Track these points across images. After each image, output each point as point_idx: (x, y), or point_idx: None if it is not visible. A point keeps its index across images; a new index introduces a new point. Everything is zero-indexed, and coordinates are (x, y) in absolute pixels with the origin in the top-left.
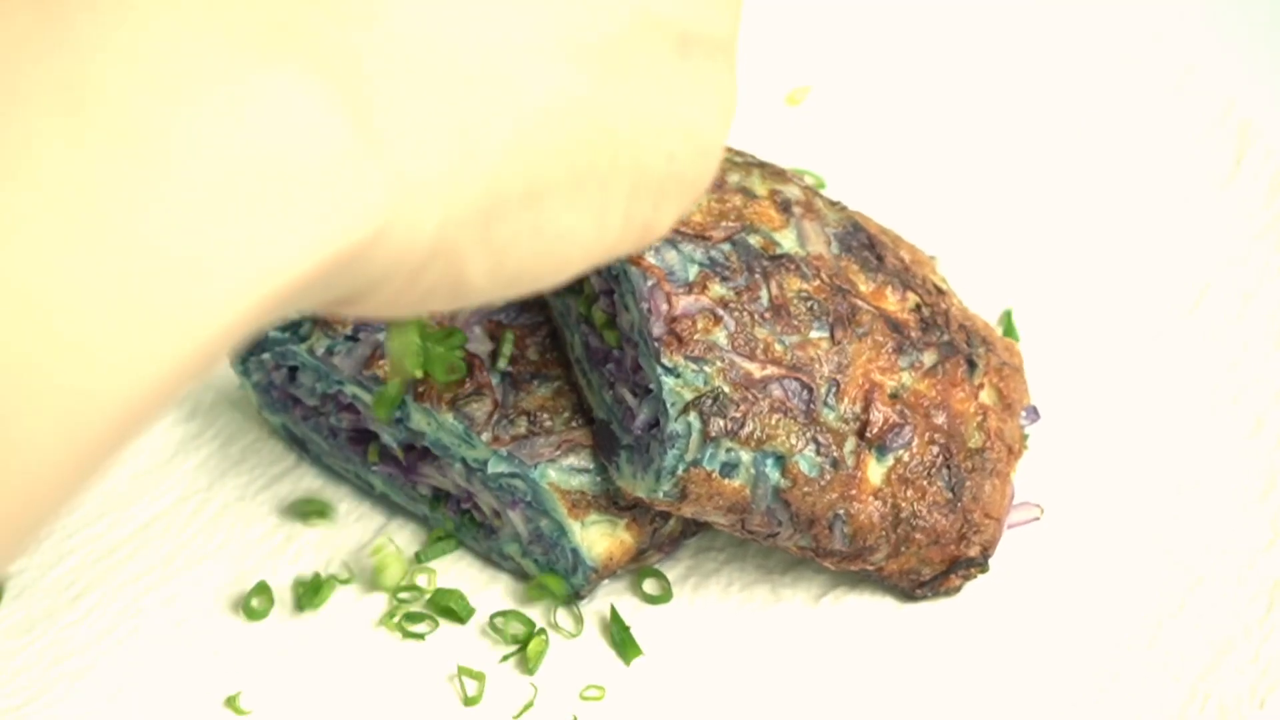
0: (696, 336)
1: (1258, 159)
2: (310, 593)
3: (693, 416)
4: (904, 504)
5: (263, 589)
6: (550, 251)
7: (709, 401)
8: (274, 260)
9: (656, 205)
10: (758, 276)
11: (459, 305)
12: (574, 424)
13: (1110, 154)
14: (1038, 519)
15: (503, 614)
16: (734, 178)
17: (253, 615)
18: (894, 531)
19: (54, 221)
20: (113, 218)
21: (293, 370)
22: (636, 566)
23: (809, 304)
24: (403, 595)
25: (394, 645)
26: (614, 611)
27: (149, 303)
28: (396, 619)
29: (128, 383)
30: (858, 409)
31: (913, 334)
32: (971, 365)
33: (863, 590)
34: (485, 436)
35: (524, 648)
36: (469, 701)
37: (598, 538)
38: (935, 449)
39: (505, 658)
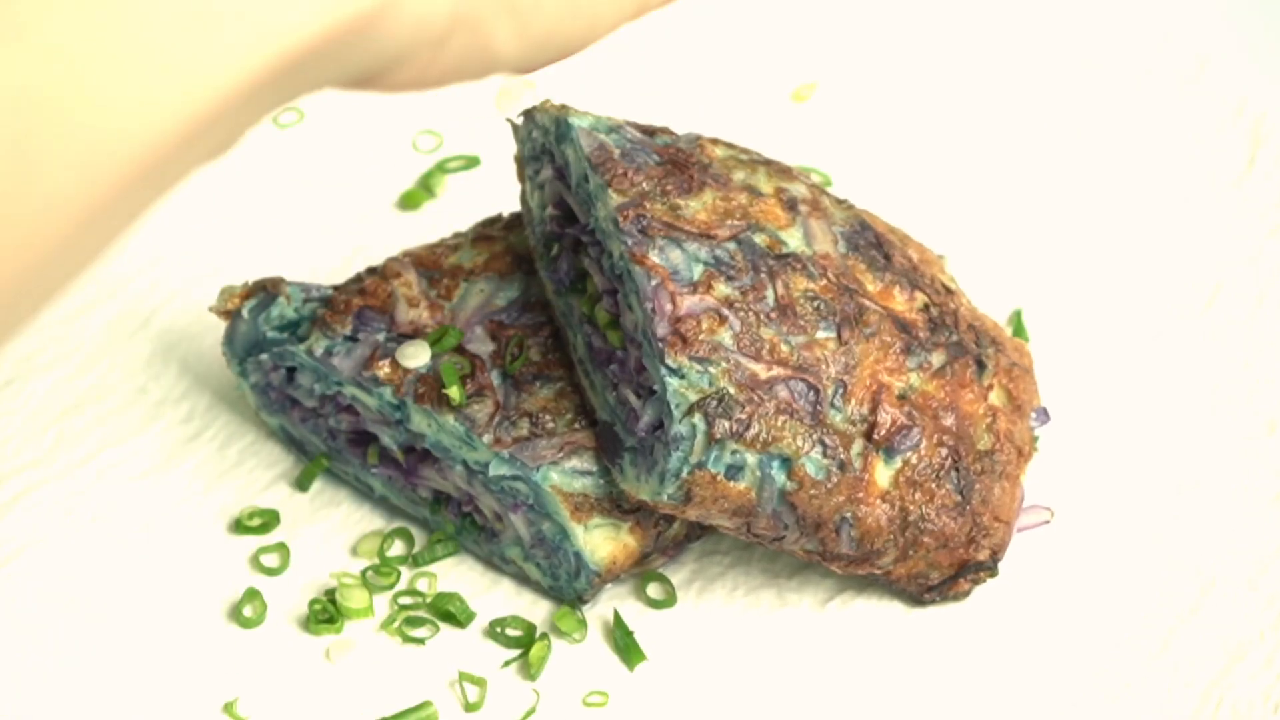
0: (701, 337)
1: (1271, 156)
2: (323, 622)
3: (697, 418)
4: (912, 507)
5: (253, 595)
6: (578, 11)
7: (714, 403)
8: (286, 19)
9: None
10: (763, 276)
11: (491, 73)
12: (577, 426)
13: (1121, 152)
14: (1048, 522)
15: (504, 619)
16: (739, 175)
17: (246, 623)
18: (902, 535)
19: None
20: None
21: (291, 371)
22: (640, 570)
23: (815, 304)
24: (403, 600)
25: (394, 650)
26: (617, 616)
27: (166, 50)
28: (396, 623)
29: (144, 126)
30: (865, 410)
31: (921, 334)
32: (981, 366)
33: (870, 595)
34: (487, 438)
35: (526, 653)
36: (470, 707)
37: (601, 541)
38: (944, 451)
39: (507, 663)
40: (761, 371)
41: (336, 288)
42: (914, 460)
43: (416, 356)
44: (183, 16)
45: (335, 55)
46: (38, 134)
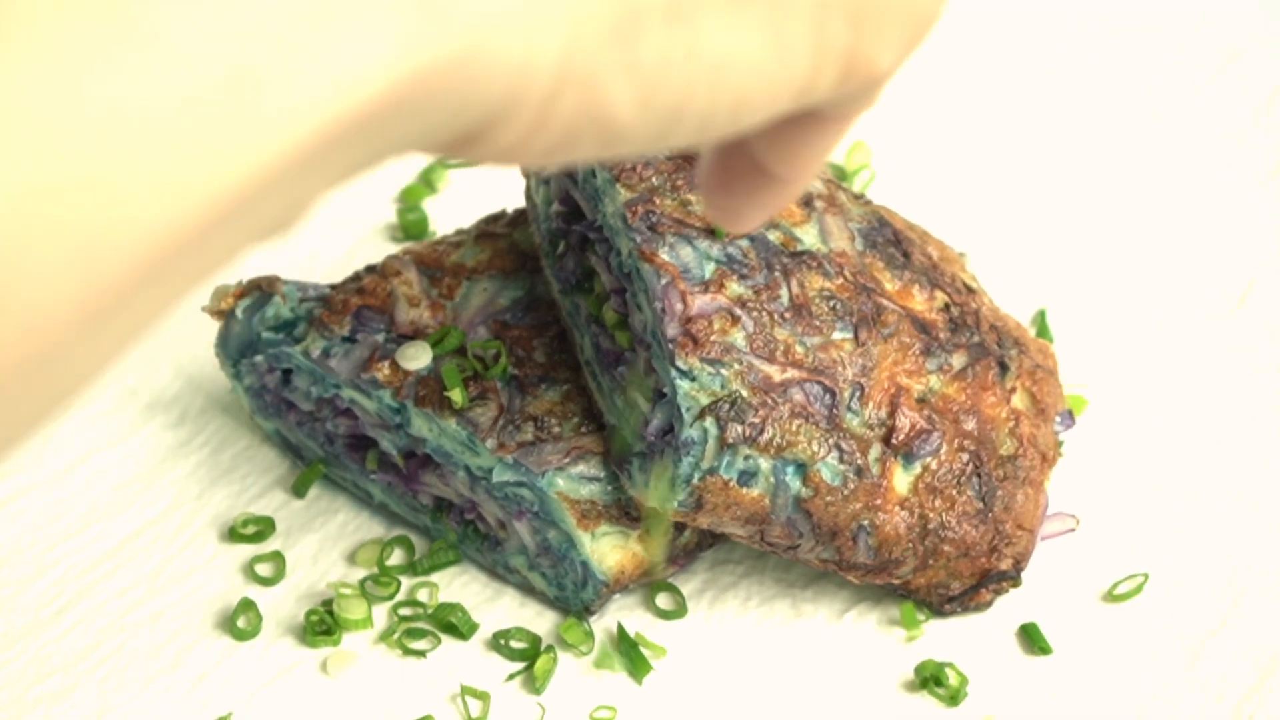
0: (713, 338)
1: None
2: (320, 634)
3: (709, 422)
4: (932, 514)
5: (247, 606)
6: (717, 81)
7: (726, 406)
8: (344, 72)
9: (860, 30)
10: (777, 274)
11: (613, 150)
12: (584, 430)
13: (1150, 143)
14: (1073, 530)
15: (508, 630)
16: None
17: (240, 635)
18: (921, 543)
19: (71, 24)
20: (144, 19)
21: (287, 373)
22: (649, 580)
23: (831, 303)
24: (403, 610)
25: (393, 663)
26: (621, 629)
27: (185, 120)
28: (396, 635)
29: (157, 214)
30: (883, 414)
31: (941, 335)
32: (1003, 368)
33: (888, 605)
34: (490, 443)
35: (530, 666)
36: None
37: (609, 550)
38: (965, 456)
39: (511, 676)
40: (775, 374)
41: (334, 287)
42: (934, 466)
43: (417, 358)
44: (213, 71)
45: (416, 112)
46: (17, 229)
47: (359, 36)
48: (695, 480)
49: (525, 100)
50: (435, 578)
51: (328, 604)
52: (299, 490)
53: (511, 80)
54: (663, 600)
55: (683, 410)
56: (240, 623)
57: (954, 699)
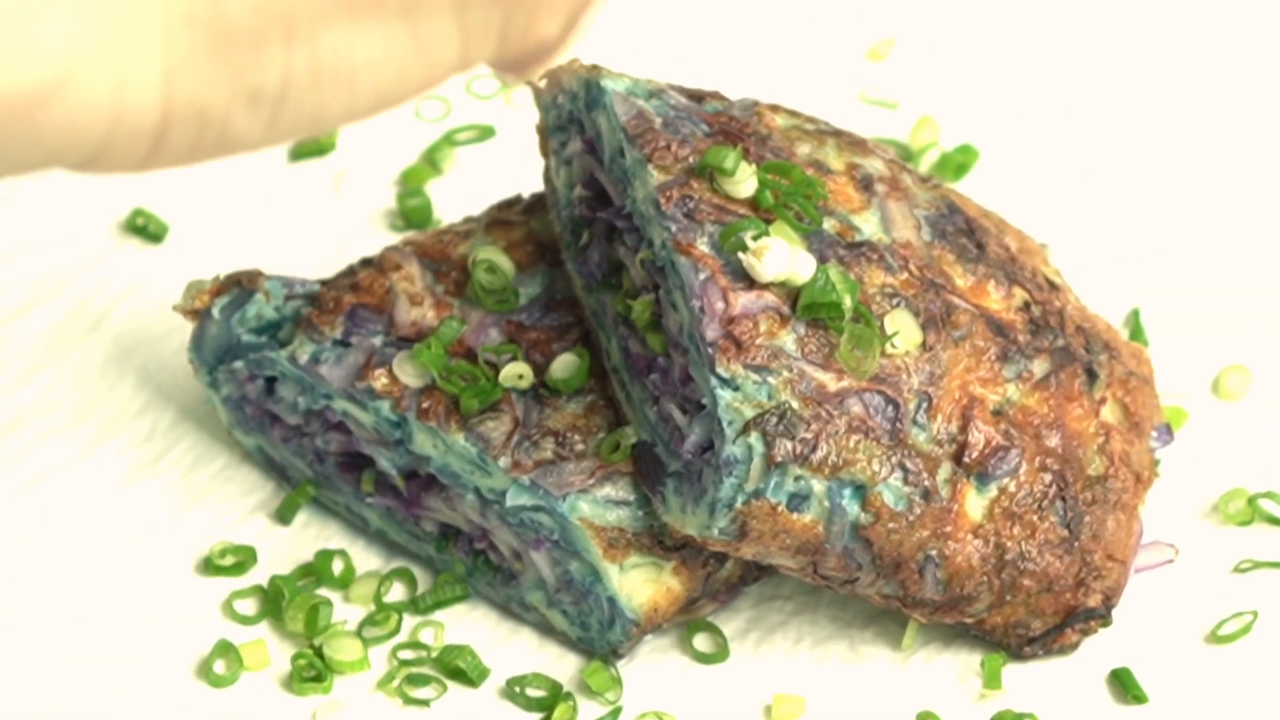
0: (759, 341)
1: None
2: (308, 680)
3: (754, 438)
4: (1010, 543)
5: (226, 648)
6: (351, 88)
7: (774, 420)
8: None
9: (509, 8)
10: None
11: (242, 152)
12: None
13: (1253, 125)
14: (1171, 561)
15: (524, 676)
16: (804, 149)
17: (217, 682)
18: (998, 577)
19: None
20: None
21: (270, 382)
22: (686, 619)
23: (895, 301)
24: (404, 653)
25: (393, 713)
26: None
27: None
28: (396, 682)
29: None
30: (954, 428)
31: (1020, 338)
32: (1091, 375)
33: (960, 647)
34: (503, 462)
35: (549, 716)
36: None
37: (639, 584)
38: (1047, 477)
39: None
40: (830, 382)
41: (324, 282)
42: (1012, 488)
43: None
44: None
45: None
46: None
47: None
48: (738, 504)
49: (131, 134)
50: (440, 616)
51: (317, 646)
52: (284, 516)
53: (105, 123)
54: (701, 642)
55: (724, 424)
56: (217, 667)
57: None
